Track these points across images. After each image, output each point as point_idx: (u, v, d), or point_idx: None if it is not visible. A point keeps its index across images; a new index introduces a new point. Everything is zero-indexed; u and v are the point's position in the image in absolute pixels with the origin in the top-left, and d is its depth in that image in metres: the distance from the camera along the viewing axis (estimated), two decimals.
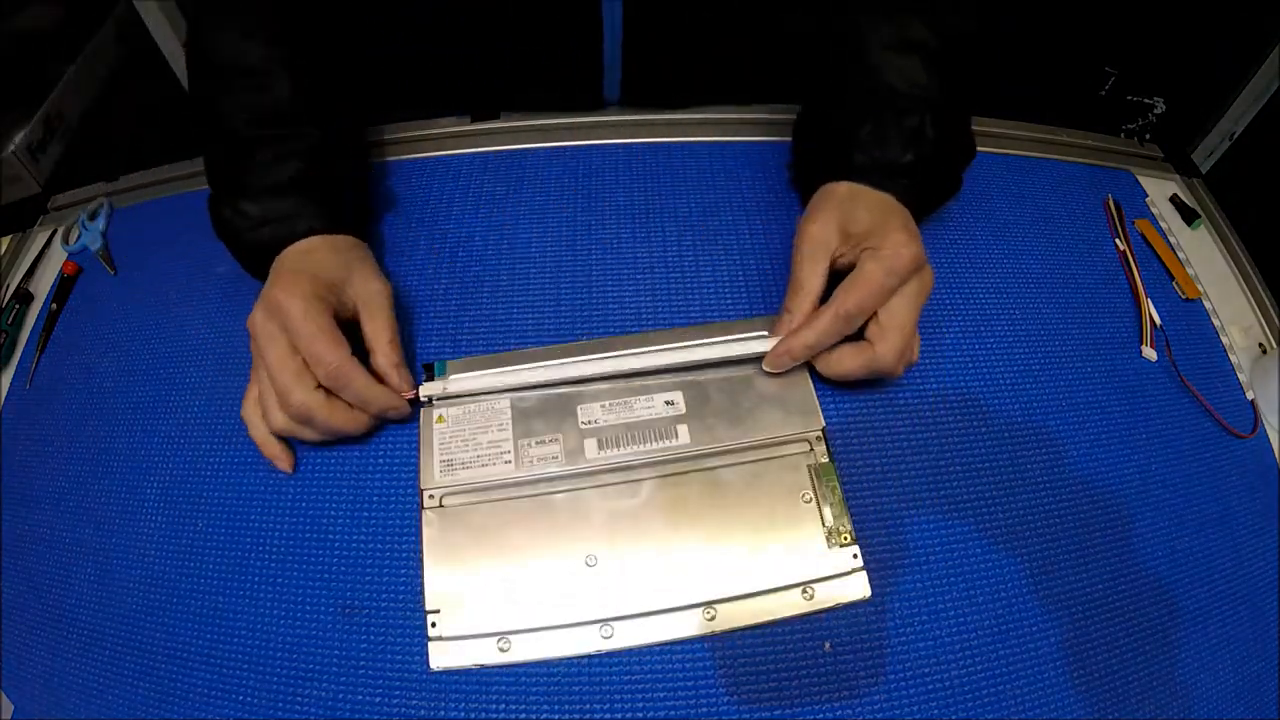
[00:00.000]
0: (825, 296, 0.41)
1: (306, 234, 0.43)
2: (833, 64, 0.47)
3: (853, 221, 0.42)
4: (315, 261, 0.42)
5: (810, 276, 0.42)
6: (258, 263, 0.43)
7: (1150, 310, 0.49)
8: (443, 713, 0.35)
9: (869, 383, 0.43)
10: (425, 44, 0.52)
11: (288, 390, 0.38)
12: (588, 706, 0.35)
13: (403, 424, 0.42)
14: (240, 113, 0.43)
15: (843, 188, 0.44)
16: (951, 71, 0.45)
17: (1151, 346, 0.47)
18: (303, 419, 0.38)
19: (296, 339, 0.38)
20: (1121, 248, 0.52)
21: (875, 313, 0.40)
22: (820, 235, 0.42)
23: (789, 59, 0.56)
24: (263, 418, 0.40)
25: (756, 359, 0.43)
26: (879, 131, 0.44)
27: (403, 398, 0.41)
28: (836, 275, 0.42)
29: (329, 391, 0.39)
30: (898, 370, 0.41)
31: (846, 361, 0.41)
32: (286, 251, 0.42)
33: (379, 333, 0.41)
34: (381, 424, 0.42)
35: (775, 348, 0.41)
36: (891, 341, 0.40)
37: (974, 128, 0.58)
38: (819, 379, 0.43)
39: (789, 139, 0.53)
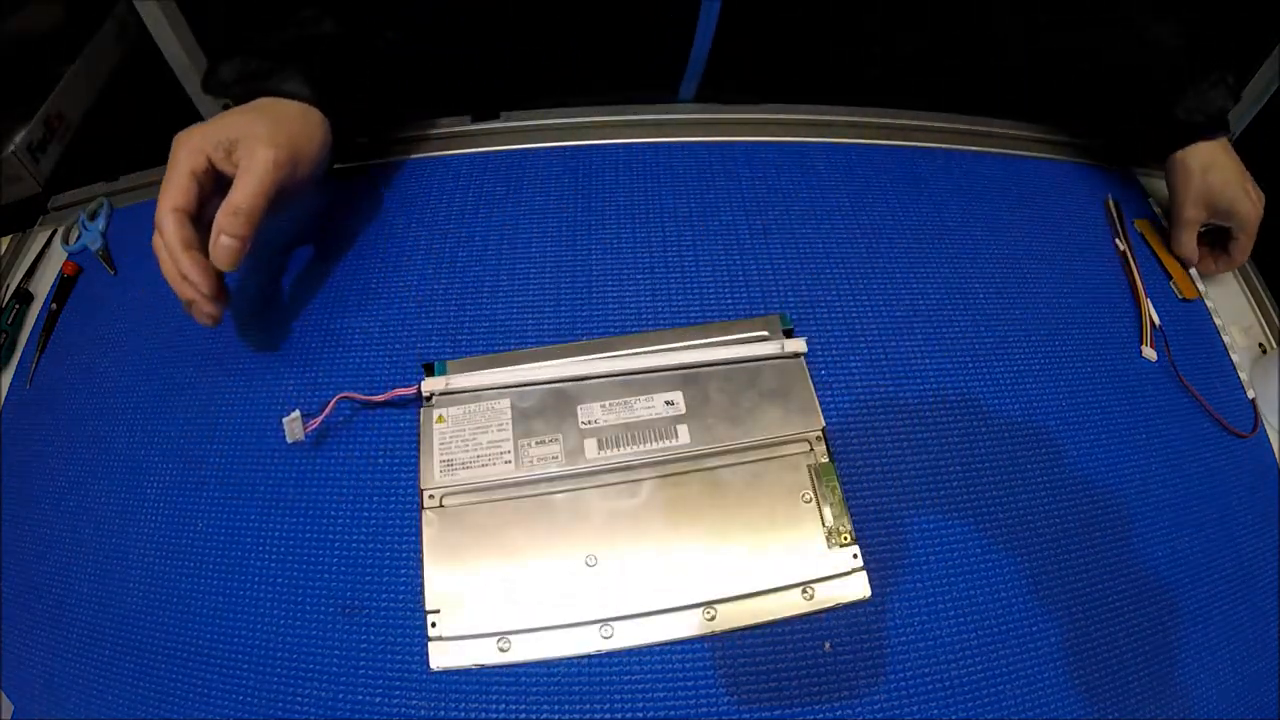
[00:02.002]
0: None
1: (276, 91, 0.43)
2: (1112, 57, 0.53)
3: (1214, 199, 0.51)
4: (232, 114, 0.42)
5: (1189, 246, 0.52)
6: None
7: (1150, 311, 0.49)
8: (443, 713, 0.35)
9: (869, 379, 0.44)
10: (498, 40, 0.54)
11: (160, 198, 0.40)
12: (588, 706, 0.35)
13: (206, 323, 0.41)
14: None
15: (1193, 162, 0.51)
16: (1203, 27, 0.51)
17: (1151, 346, 0.47)
18: (156, 225, 0.40)
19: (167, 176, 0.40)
20: (1121, 248, 0.52)
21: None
22: (1192, 218, 0.52)
23: (866, 60, 0.58)
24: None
25: (757, 359, 0.43)
26: (1202, 91, 0.51)
27: (201, 291, 0.40)
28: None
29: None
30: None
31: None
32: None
33: (234, 191, 0.40)
34: (381, 428, 0.42)
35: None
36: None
37: (974, 128, 0.59)
38: None
39: (788, 139, 0.54)
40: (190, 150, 0.40)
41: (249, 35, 0.45)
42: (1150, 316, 0.49)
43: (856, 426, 0.42)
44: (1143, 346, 0.48)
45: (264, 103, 0.43)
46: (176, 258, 0.39)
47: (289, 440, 0.40)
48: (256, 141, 0.41)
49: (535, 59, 0.55)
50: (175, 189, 0.40)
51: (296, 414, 0.39)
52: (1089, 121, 0.59)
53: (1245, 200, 0.50)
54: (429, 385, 0.42)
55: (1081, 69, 0.55)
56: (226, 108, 0.44)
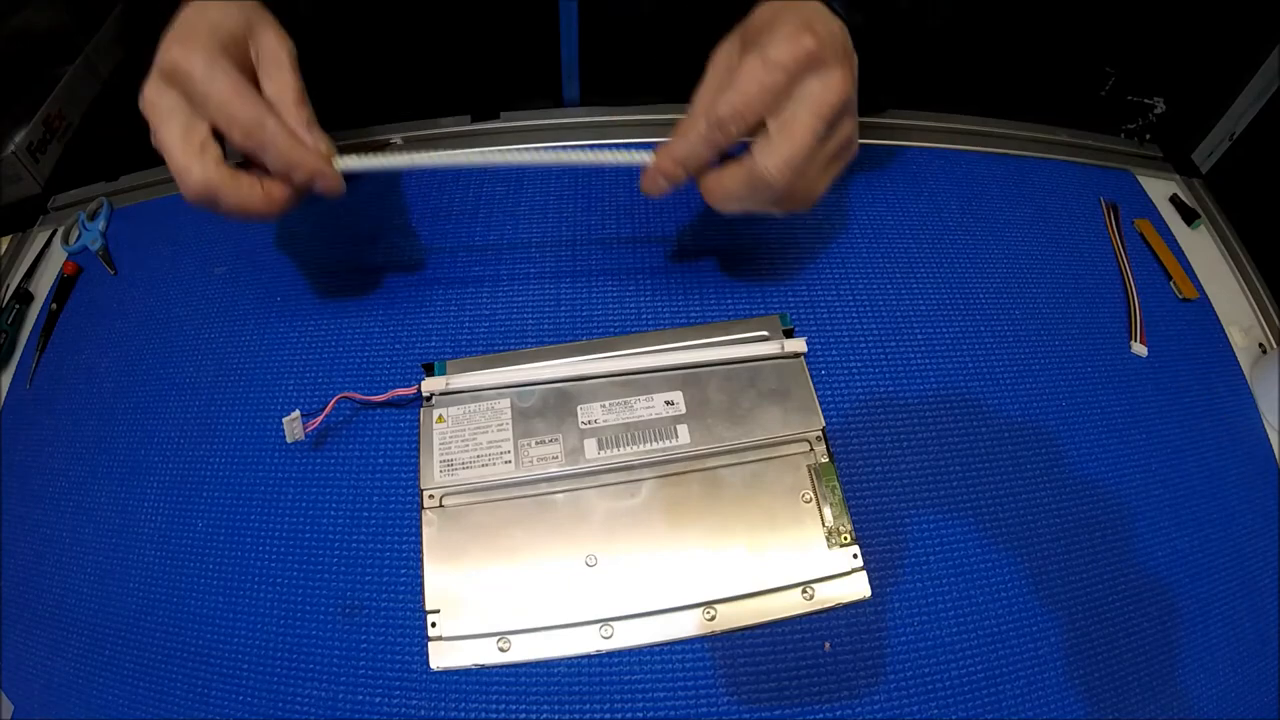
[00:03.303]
0: None
1: None
2: None
3: (750, 26, 0.35)
4: (207, 11, 0.35)
5: (701, 96, 0.35)
6: (148, 24, 0.37)
7: (1137, 306, 0.49)
8: (443, 713, 0.35)
9: (870, 379, 0.44)
10: (382, 45, 0.52)
11: (186, 170, 0.34)
12: (588, 706, 0.35)
13: (331, 197, 0.38)
14: None
15: (766, 7, 0.36)
16: None
17: (1143, 343, 0.47)
18: (207, 200, 0.34)
19: (204, 103, 0.34)
20: (1119, 247, 0.52)
21: (765, 121, 0.34)
22: (720, 55, 0.36)
23: None
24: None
25: (757, 359, 0.43)
26: None
27: (327, 161, 0.37)
28: None
29: (235, 168, 0.35)
30: (797, 198, 0.35)
31: (725, 179, 0.34)
32: (182, 9, 0.36)
33: (284, 91, 0.36)
34: (381, 428, 0.42)
35: (645, 174, 0.36)
36: (778, 151, 0.32)
37: (975, 128, 0.59)
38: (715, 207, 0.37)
39: None
40: (215, 53, 0.33)
41: None
42: (1137, 313, 0.48)
43: (856, 426, 0.42)
44: (1132, 342, 0.48)
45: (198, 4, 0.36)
46: (298, 133, 0.35)
47: (289, 440, 0.40)
48: (264, 31, 0.36)
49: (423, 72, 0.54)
50: (246, 89, 0.34)
51: (296, 414, 0.39)
52: None
53: (792, 25, 0.33)
54: (429, 385, 0.42)
55: None
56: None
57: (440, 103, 0.56)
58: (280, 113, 0.36)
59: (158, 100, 0.34)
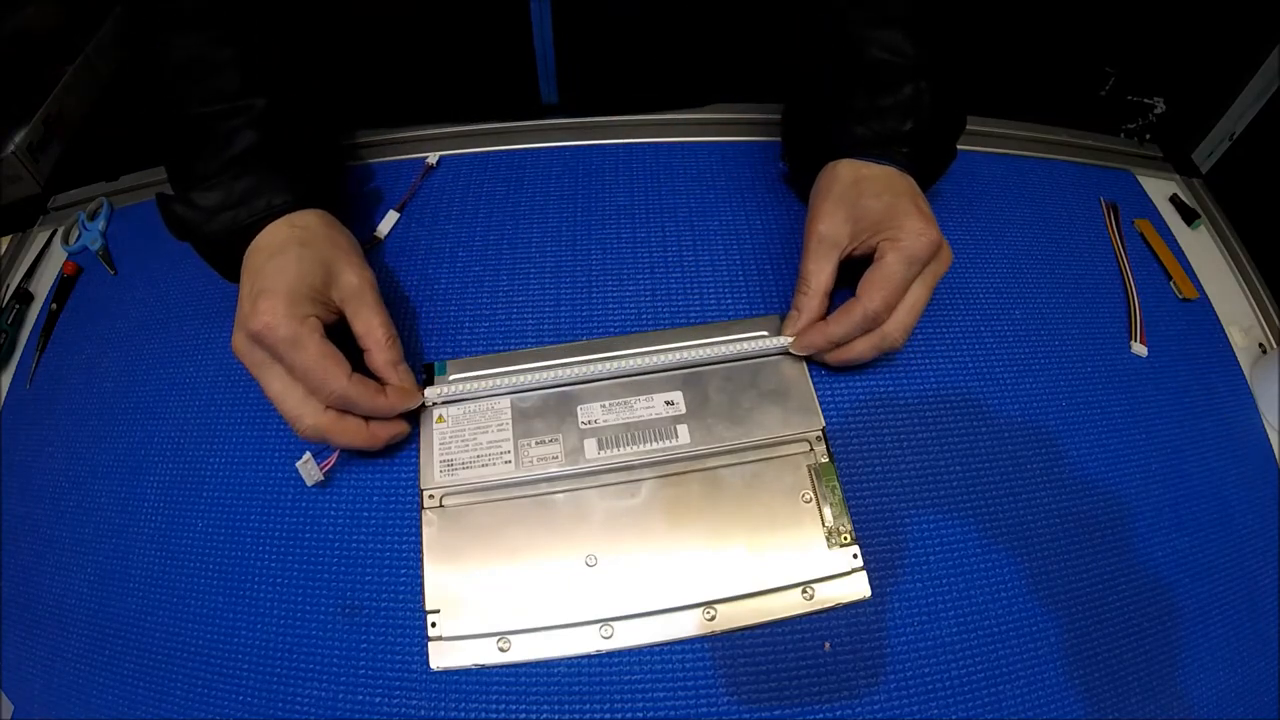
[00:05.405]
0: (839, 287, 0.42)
1: (268, 212, 0.40)
2: (815, 48, 0.47)
3: (862, 211, 0.41)
4: (286, 267, 0.38)
5: (818, 274, 0.42)
6: (225, 259, 0.41)
7: (1136, 307, 0.49)
8: (443, 713, 0.35)
9: (870, 379, 0.44)
10: (360, 50, 0.52)
11: (298, 417, 0.37)
12: (588, 706, 0.35)
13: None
14: (188, 98, 0.41)
15: (845, 170, 0.43)
16: (934, 39, 0.45)
17: (1143, 343, 0.47)
18: (318, 439, 0.38)
19: (290, 370, 0.37)
20: (1118, 247, 0.52)
21: None
22: (829, 233, 0.42)
23: (729, 59, 0.56)
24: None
25: (756, 359, 0.43)
26: (875, 103, 0.43)
27: (414, 398, 0.40)
28: (849, 264, 0.42)
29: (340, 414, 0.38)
30: (901, 345, 0.41)
31: (858, 347, 0.41)
32: (255, 251, 0.39)
33: (371, 330, 0.39)
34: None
35: (799, 340, 0.42)
36: (901, 322, 0.40)
37: (975, 128, 0.59)
38: (818, 363, 0.43)
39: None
40: (296, 324, 0.36)
41: (189, 165, 0.41)
42: (1138, 313, 0.48)
43: (856, 426, 0.42)
44: (1132, 342, 0.48)
45: (281, 233, 0.40)
46: (391, 407, 0.39)
47: (309, 484, 0.40)
48: (341, 270, 0.39)
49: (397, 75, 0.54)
50: (329, 361, 0.36)
51: (308, 456, 0.39)
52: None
53: (915, 219, 0.40)
54: (431, 391, 0.41)
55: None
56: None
57: (414, 105, 0.56)
58: (369, 348, 0.40)
59: (248, 353, 0.37)
